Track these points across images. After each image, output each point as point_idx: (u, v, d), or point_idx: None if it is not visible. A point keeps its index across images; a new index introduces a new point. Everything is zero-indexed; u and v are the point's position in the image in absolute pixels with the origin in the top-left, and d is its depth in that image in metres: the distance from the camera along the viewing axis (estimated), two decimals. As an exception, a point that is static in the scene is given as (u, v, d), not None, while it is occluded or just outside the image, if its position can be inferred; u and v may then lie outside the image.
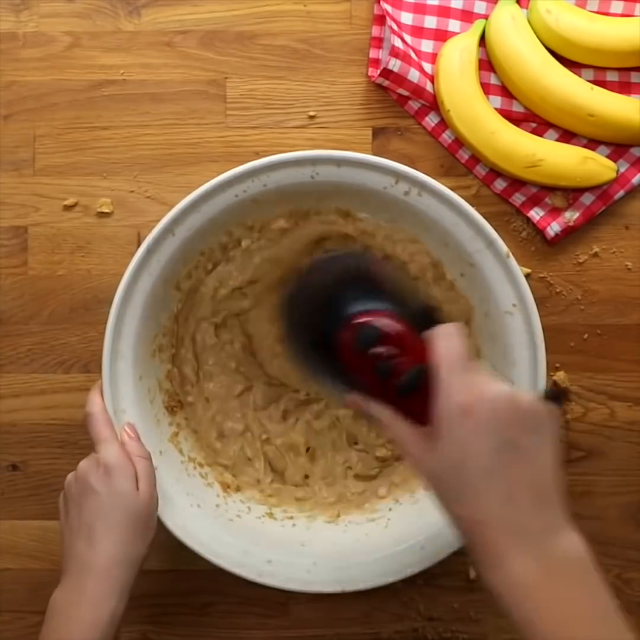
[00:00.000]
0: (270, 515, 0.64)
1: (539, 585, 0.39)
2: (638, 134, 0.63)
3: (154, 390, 0.62)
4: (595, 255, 0.66)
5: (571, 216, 0.65)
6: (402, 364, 0.43)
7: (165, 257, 0.58)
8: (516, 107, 0.65)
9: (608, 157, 0.64)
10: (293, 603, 0.66)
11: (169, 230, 0.58)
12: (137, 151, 0.66)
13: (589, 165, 0.63)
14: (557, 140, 0.65)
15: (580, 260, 0.66)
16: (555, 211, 0.65)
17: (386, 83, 0.64)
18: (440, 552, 0.59)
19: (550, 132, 0.65)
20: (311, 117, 0.66)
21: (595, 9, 0.65)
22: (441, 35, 0.65)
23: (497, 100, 0.65)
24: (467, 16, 0.65)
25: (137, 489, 0.54)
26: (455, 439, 0.41)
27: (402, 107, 0.66)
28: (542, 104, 0.63)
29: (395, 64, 0.63)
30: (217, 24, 0.66)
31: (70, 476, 0.56)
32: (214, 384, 0.66)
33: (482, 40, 0.65)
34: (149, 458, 0.57)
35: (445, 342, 0.43)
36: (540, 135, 0.65)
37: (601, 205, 0.65)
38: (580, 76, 0.64)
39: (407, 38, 0.64)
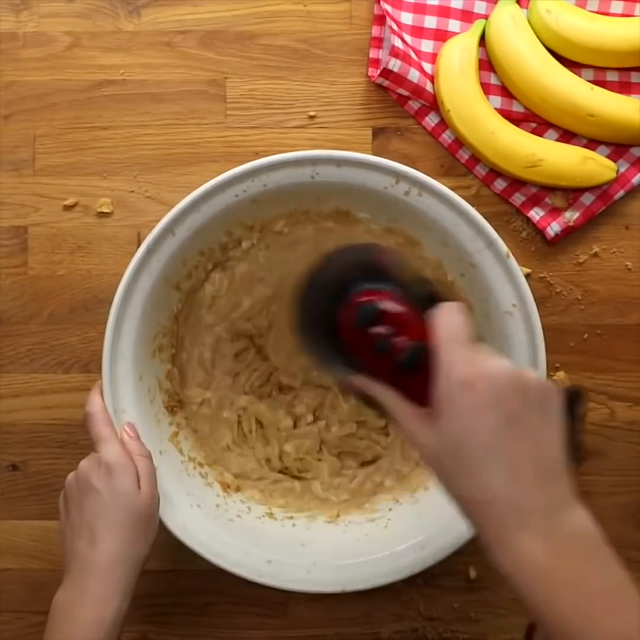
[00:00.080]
0: (270, 515, 0.64)
1: (549, 563, 0.38)
2: (638, 134, 0.63)
3: (154, 390, 0.62)
4: (595, 255, 0.66)
5: (571, 216, 0.65)
6: (401, 341, 0.43)
7: (165, 257, 0.58)
8: (516, 107, 0.65)
9: (608, 157, 0.64)
10: (293, 603, 0.66)
11: (169, 230, 0.58)
12: (137, 151, 0.66)
13: (589, 165, 0.63)
14: (557, 140, 0.65)
15: (580, 260, 0.66)
16: (555, 211, 0.65)
17: (386, 83, 0.64)
18: (440, 552, 0.59)
19: (550, 132, 0.65)
20: (311, 117, 0.66)
21: (595, 9, 0.65)
22: (441, 35, 0.65)
23: (497, 100, 0.65)
24: (467, 16, 0.65)
25: (139, 488, 0.54)
26: (456, 415, 0.40)
27: (402, 107, 0.66)
28: (542, 104, 0.63)
29: (395, 64, 0.63)
30: (217, 24, 0.66)
31: (70, 476, 0.56)
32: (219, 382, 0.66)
33: (482, 40, 0.65)
34: (149, 457, 0.57)
35: (446, 320, 0.42)
36: (540, 135, 0.65)
37: (601, 205, 0.65)
38: (580, 76, 0.64)
39: (407, 38, 0.64)
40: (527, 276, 0.62)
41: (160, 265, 0.58)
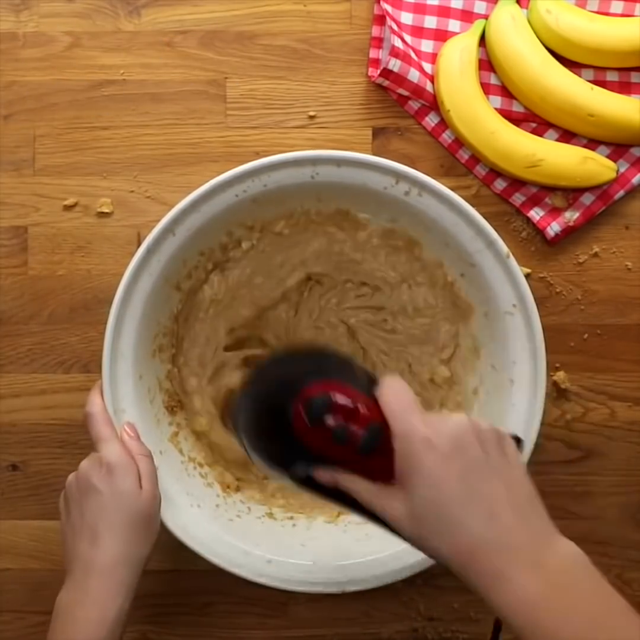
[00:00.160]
0: (270, 515, 0.64)
1: (544, 598, 0.38)
2: (638, 134, 0.63)
3: (154, 390, 0.62)
4: (595, 255, 0.66)
5: (571, 216, 0.65)
6: (357, 427, 0.43)
7: (166, 257, 0.58)
8: (516, 107, 0.65)
9: (608, 157, 0.64)
10: (293, 603, 0.66)
11: (169, 230, 0.58)
12: (137, 151, 0.66)
13: (589, 165, 0.63)
14: (557, 140, 0.65)
15: (580, 260, 0.66)
16: (555, 211, 0.65)
17: (386, 83, 0.64)
18: (440, 552, 0.59)
19: (550, 132, 0.65)
20: (311, 117, 0.66)
21: (595, 9, 0.65)
22: (441, 35, 0.65)
23: (497, 100, 0.65)
24: (467, 16, 0.65)
25: (140, 488, 0.54)
26: (424, 475, 0.41)
27: (402, 107, 0.66)
28: (542, 104, 0.63)
29: (395, 64, 0.63)
30: (217, 24, 0.66)
31: (71, 476, 0.56)
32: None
33: (482, 40, 0.65)
34: (150, 456, 0.57)
35: (392, 393, 0.44)
36: (540, 135, 0.65)
37: (601, 205, 0.65)
38: (580, 76, 0.64)
39: (407, 38, 0.64)
40: (527, 276, 0.62)
41: (161, 265, 0.58)
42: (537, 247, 0.66)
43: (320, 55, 0.66)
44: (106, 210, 0.65)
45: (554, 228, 0.65)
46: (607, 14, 0.65)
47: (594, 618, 0.38)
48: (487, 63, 0.65)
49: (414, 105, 0.66)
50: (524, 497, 0.41)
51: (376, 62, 0.66)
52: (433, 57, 0.65)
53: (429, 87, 0.64)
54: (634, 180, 0.65)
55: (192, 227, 0.58)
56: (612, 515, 0.66)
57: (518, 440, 0.45)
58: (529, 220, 0.66)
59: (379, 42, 0.66)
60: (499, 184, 0.65)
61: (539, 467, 0.64)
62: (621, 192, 0.65)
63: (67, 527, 0.55)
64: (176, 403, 0.64)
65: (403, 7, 0.65)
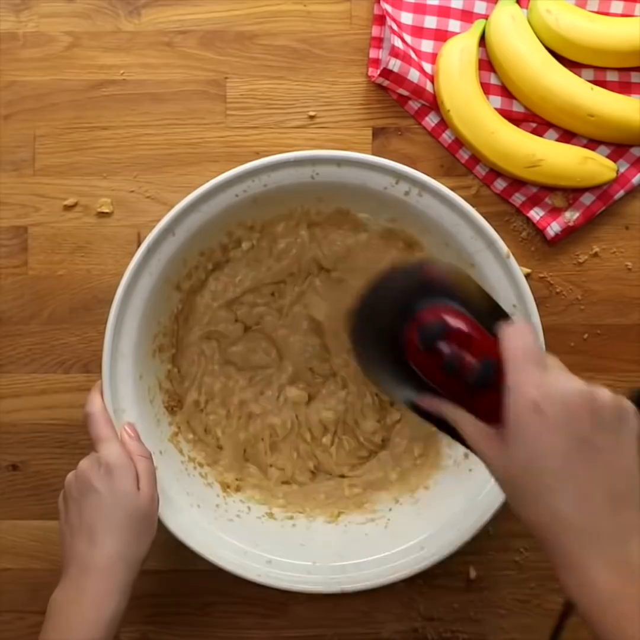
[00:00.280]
0: (270, 515, 0.64)
1: (617, 593, 0.36)
2: (638, 134, 0.63)
3: (154, 390, 0.62)
4: (595, 255, 0.66)
5: (571, 216, 0.65)
6: (470, 360, 0.41)
7: (166, 257, 0.58)
8: (516, 107, 0.65)
9: (608, 157, 0.64)
10: (293, 603, 0.66)
11: (169, 230, 0.58)
12: (137, 151, 0.66)
13: (589, 165, 0.63)
14: (557, 140, 0.65)
15: (580, 260, 0.66)
16: (555, 211, 0.65)
17: (386, 83, 0.64)
18: (440, 552, 0.59)
19: (550, 132, 0.65)
20: (311, 117, 0.66)
21: (595, 9, 0.65)
22: (441, 35, 0.65)
23: (497, 100, 0.65)
24: (467, 16, 0.65)
25: (139, 488, 0.54)
26: (525, 439, 0.39)
27: (402, 107, 0.66)
28: (542, 104, 0.63)
29: (395, 64, 0.63)
30: (217, 24, 0.66)
31: (70, 475, 0.56)
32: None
33: (482, 40, 0.65)
34: (149, 457, 0.57)
35: (516, 339, 0.41)
36: (540, 135, 0.65)
37: (601, 205, 0.65)
38: (580, 76, 0.64)
39: (407, 38, 0.64)
40: (527, 276, 0.62)
41: (161, 265, 0.58)
42: (537, 247, 0.66)
43: (320, 55, 0.66)
44: (106, 210, 0.65)
45: (554, 228, 0.65)
46: (607, 14, 0.65)
47: None
48: (487, 63, 0.65)
49: (414, 105, 0.66)
50: (623, 486, 0.38)
51: (376, 62, 0.66)
52: (433, 57, 0.65)
53: (429, 87, 0.64)
54: (634, 180, 0.65)
55: (192, 227, 0.58)
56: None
57: None
58: (529, 220, 0.66)
59: (379, 42, 0.66)
60: (499, 184, 0.65)
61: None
62: (621, 192, 0.65)
63: (65, 526, 0.55)
64: (176, 403, 0.64)
65: (403, 7, 0.65)
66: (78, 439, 0.65)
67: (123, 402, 0.59)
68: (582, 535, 0.38)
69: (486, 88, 0.65)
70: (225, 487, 0.64)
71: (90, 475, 0.54)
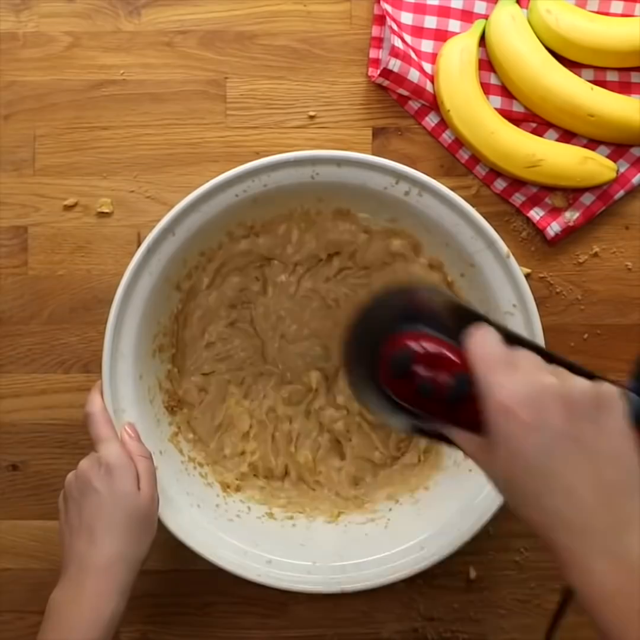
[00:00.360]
0: (270, 515, 0.64)
1: (618, 589, 0.35)
2: (638, 134, 0.63)
3: (154, 390, 0.62)
4: (595, 255, 0.66)
5: (571, 216, 0.65)
6: (443, 378, 0.41)
7: (166, 257, 0.58)
8: (516, 107, 0.65)
9: (608, 157, 0.64)
10: (293, 603, 0.66)
11: (169, 230, 0.58)
12: (137, 151, 0.66)
13: (589, 165, 0.63)
14: (557, 140, 0.65)
15: (580, 260, 0.66)
16: (555, 211, 0.65)
17: (386, 83, 0.64)
18: (440, 552, 0.59)
19: (550, 132, 0.65)
20: (311, 117, 0.66)
21: (595, 9, 0.65)
22: (441, 35, 0.65)
23: (497, 100, 0.65)
24: (467, 16, 0.65)
25: (139, 488, 0.54)
26: (505, 443, 0.38)
27: (402, 107, 0.66)
28: (542, 104, 0.63)
29: (395, 64, 0.63)
30: (217, 24, 0.66)
31: (70, 475, 0.56)
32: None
33: (482, 40, 0.65)
34: (150, 457, 0.57)
35: (478, 343, 0.41)
36: (540, 135, 0.65)
37: (601, 205, 0.65)
38: (580, 76, 0.64)
39: (407, 38, 0.64)
40: (527, 276, 0.62)
41: (161, 265, 0.58)
42: (537, 247, 0.66)
43: (320, 55, 0.66)
44: (106, 210, 0.65)
45: (554, 228, 0.65)
46: (607, 14, 0.65)
47: None
48: (487, 63, 0.65)
49: (414, 105, 0.66)
50: (615, 476, 0.37)
51: (376, 62, 0.66)
52: (433, 57, 0.65)
53: (429, 87, 0.64)
54: (634, 180, 0.65)
55: (192, 227, 0.58)
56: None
57: None
58: (529, 220, 0.66)
59: (379, 42, 0.66)
60: (499, 184, 0.65)
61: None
62: (621, 192, 0.65)
63: (65, 526, 0.55)
64: (176, 403, 0.64)
65: (403, 7, 0.65)
66: (78, 439, 0.65)
67: (123, 402, 0.59)
68: (576, 532, 0.37)
69: (486, 88, 0.65)
70: (225, 487, 0.64)
71: (91, 475, 0.54)
